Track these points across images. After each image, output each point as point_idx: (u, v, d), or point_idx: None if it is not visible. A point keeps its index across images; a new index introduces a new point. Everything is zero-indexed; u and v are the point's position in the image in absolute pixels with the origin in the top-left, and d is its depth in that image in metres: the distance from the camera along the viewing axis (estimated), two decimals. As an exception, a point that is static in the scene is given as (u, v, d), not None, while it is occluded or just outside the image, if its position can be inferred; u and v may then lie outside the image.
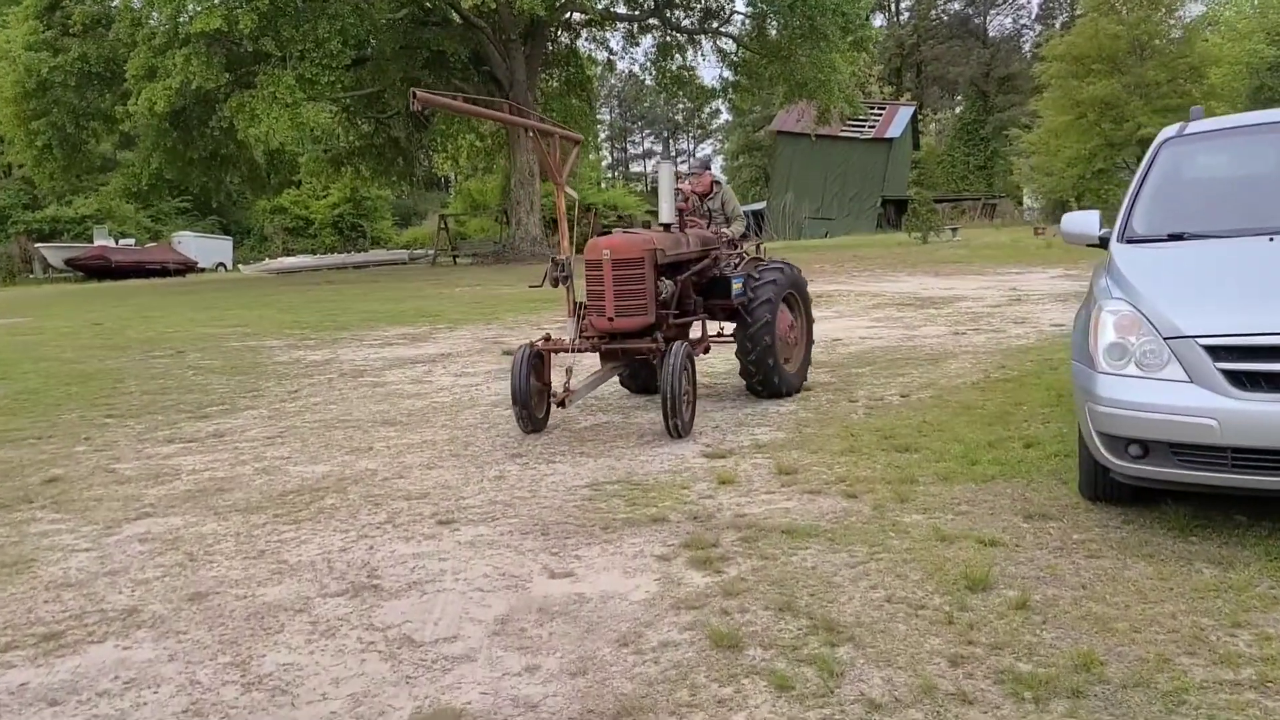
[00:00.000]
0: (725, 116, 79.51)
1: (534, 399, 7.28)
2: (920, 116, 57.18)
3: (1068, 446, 5.86)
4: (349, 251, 46.94)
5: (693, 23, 33.31)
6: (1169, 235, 4.71)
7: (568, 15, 31.71)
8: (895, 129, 47.30)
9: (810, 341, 8.72)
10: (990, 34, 67.87)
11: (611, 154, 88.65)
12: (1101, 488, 4.52)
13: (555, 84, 33.07)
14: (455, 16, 27.89)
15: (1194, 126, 5.29)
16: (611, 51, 35.35)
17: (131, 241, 44.84)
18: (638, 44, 34.63)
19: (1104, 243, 5.10)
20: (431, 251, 40.69)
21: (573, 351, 7.48)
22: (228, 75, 24.28)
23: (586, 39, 34.98)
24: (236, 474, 6.53)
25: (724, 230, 8.72)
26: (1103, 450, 4.17)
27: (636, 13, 32.88)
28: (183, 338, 14.57)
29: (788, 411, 7.70)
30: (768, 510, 5.09)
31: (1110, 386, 4.09)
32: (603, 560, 4.52)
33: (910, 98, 60.13)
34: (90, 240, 44.09)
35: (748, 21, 32.39)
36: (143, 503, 5.89)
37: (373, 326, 15.23)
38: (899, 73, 66.90)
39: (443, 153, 37.58)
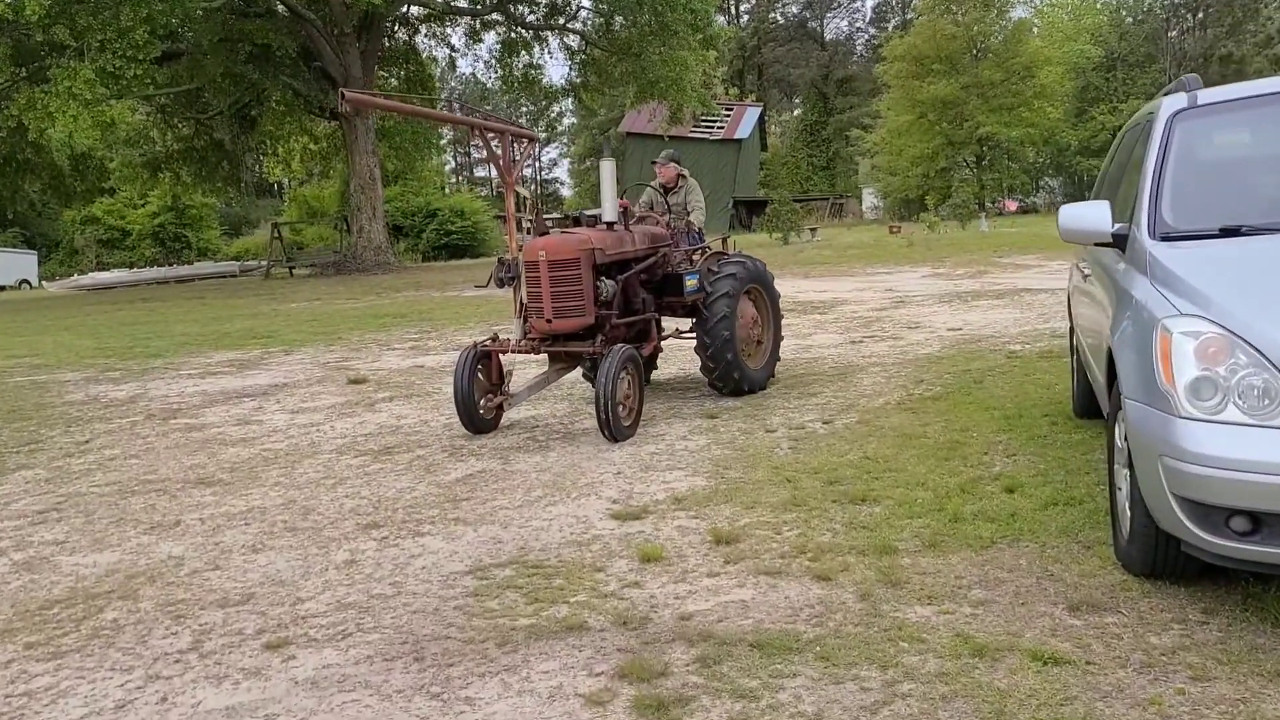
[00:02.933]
0: (570, 119, 78.46)
1: (478, 402, 7.22)
2: (765, 118, 57.39)
3: (1057, 490, 4.85)
4: (171, 264, 43.36)
5: (538, 18, 31.93)
6: (1221, 230, 3.69)
7: (405, 8, 29.84)
8: (744, 129, 47.14)
9: (779, 338, 8.44)
10: (827, 37, 69.03)
11: (455, 158, 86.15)
12: (1164, 562, 3.45)
13: (394, 82, 31.06)
14: (280, 7, 25.70)
15: (1205, 96, 4.32)
16: (453, 49, 33.63)
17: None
18: (481, 41, 33.04)
19: (1118, 241, 4.08)
20: (265, 263, 37.87)
21: (512, 352, 7.41)
22: (16, 68, 21.40)
23: (426, 35, 33.14)
24: (-15, 573, 4.83)
25: (692, 221, 8.43)
26: (1186, 521, 3.09)
27: (479, 6, 31.27)
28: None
29: (698, 447, 6.48)
30: (719, 605, 3.83)
31: (1201, 438, 3.01)
32: (506, 706, 3.16)
33: (754, 99, 60.37)
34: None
35: (595, 18, 31.27)
36: None
37: (193, 352, 13.24)
38: (741, 74, 67.20)
39: (273, 156, 34.93)
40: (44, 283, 43.04)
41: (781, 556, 4.31)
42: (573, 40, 31.95)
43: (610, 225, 7.45)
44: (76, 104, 20.32)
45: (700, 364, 7.87)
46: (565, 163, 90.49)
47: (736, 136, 46.70)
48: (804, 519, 4.80)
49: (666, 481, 5.71)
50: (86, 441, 7.84)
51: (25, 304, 29.41)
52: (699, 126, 44.35)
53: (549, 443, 6.92)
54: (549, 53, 35.35)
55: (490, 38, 32.82)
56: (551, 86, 34.55)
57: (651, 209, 8.55)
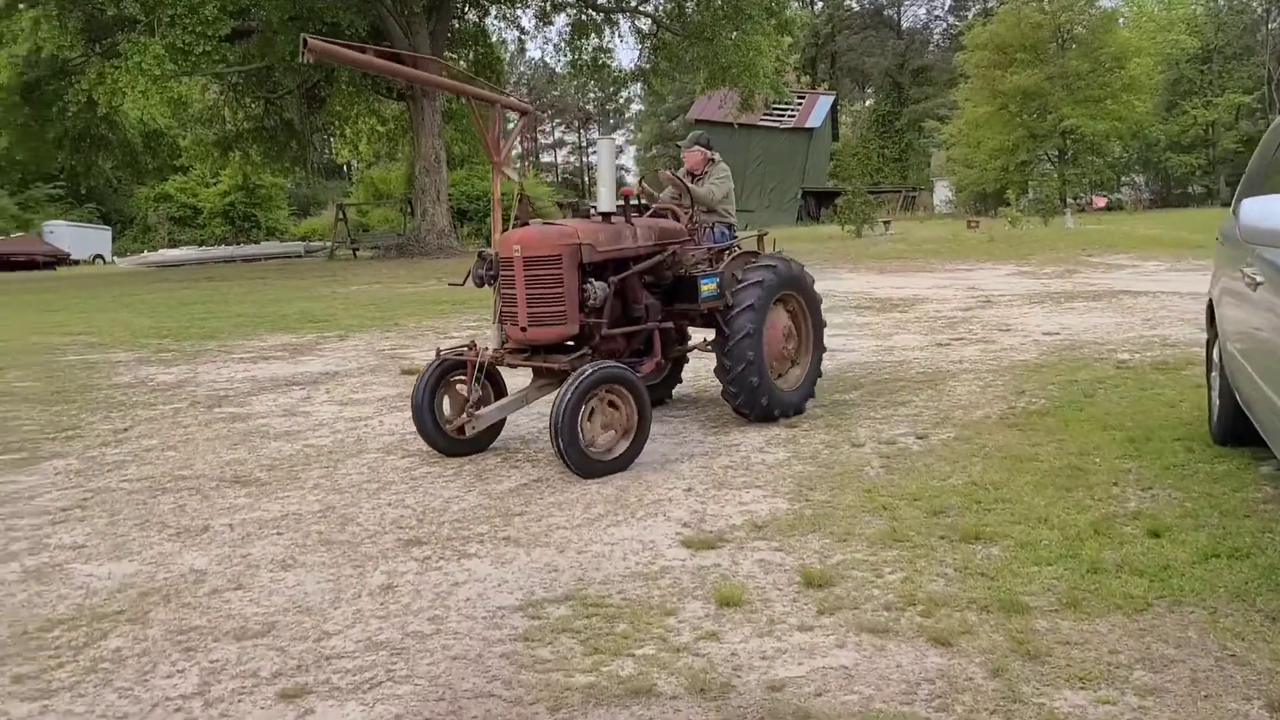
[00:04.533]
0: (638, 106, 77.83)
1: (443, 420, 6.24)
2: (837, 107, 56.17)
3: (1215, 538, 4.11)
4: (240, 243, 43.68)
5: (610, 1, 31.29)
6: None
7: (476, -11, 29.47)
8: (816, 118, 46.04)
9: (820, 351, 7.22)
10: (904, 25, 67.39)
11: (520, 143, 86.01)
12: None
13: (463, 64, 30.66)
14: (352, -15, 25.44)
15: None
16: (523, 31, 33.11)
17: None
18: (551, 23, 32.44)
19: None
20: (329, 244, 37.88)
21: (480, 365, 6.21)
22: (86, 43, 21.37)
23: (496, 16, 32.68)
24: (-9, 582, 4.37)
25: (726, 213, 7.52)
26: None
27: (551, -12, 30.76)
28: (10, 350, 12.04)
29: (778, 461, 5.83)
30: (815, 672, 3.19)
31: None
32: (559, 801, 2.56)
33: (826, 88, 59.15)
34: (5, 234, 40.09)
35: (667, 1, 30.53)
36: None
37: (248, 334, 12.90)
38: (814, 62, 65.88)
39: (341, 137, 34.82)
40: (115, 259, 43.64)
41: (886, 608, 3.65)
42: (644, 23, 31.28)
43: (606, 217, 6.34)
44: (145, 79, 20.21)
45: (721, 387, 6.75)
46: (631, 150, 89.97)
47: (808, 125, 45.60)
48: (908, 559, 4.13)
49: (743, 502, 5.08)
50: (125, 429, 7.43)
51: (94, 279, 29.65)
52: (769, 114, 43.36)
53: (612, 449, 6.31)
54: (619, 36, 34.69)
55: (560, 20, 32.20)
56: (620, 71, 33.90)
57: (680, 201, 7.45)
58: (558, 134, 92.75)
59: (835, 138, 55.87)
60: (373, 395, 8.47)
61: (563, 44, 31.71)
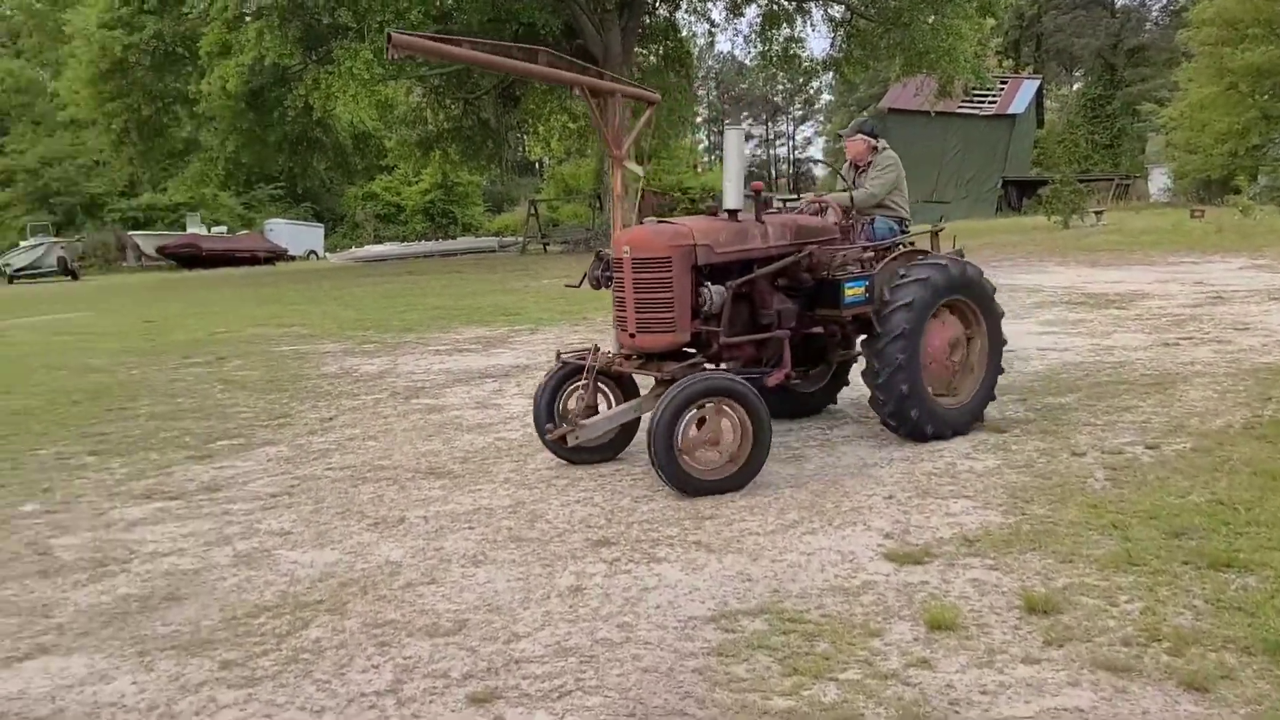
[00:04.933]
0: (827, 96, 76.40)
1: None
2: (1044, 92, 53.20)
3: None
4: (438, 239, 45.60)
5: (802, -11, 30.66)
6: None
7: (669, -16, 29.50)
8: (1019, 104, 43.69)
9: (995, 371, 6.36)
10: (1118, 3, 63.15)
11: (708, 137, 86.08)
12: None
13: (652, 59, 30.81)
14: (548, -14, 25.93)
15: None
16: (713, 24, 32.85)
17: (223, 229, 44.30)
18: (741, 15, 32.05)
19: None
20: (521, 239, 38.97)
21: (592, 370, 5.81)
22: (304, 51, 22.70)
23: (686, 10, 32.63)
24: (206, 564, 4.55)
25: (895, 206, 6.75)
26: None
27: (742, -22, 30.41)
28: (230, 340, 12.87)
29: (987, 469, 5.41)
30: (1046, 714, 2.85)
31: None
32: (759, 841, 2.35)
33: (1031, 72, 56.16)
34: (183, 228, 43.67)
35: (862, -14, 29.62)
36: (47, 624, 3.94)
37: (445, 327, 13.30)
38: (1017, 45, 62.66)
39: (534, 135, 35.70)
40: (326, 254, 46.42)
41: (1125, 643, 3.24)
42: (836, 10, 30.48)
43: (733, 214, 5.79)
44: (356, 84, 21.27)
45: (869, 394, 6.07)
46: (821, 141, 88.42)
47: (1010, 112, 43.33)
48: (1147, 586, 3.68)
49: (951, 513, 4.71)
50: (330, 419, 7.71)
51: (308, 274, 31.58)
52: (968, 101, 41.51)
53: (804, 451, 6.05)
54: (811, 25, 33.74)
55: (751, 11, 31.79)
56: (812, 61, 33.19)
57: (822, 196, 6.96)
58: (745, 126, 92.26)
59: (1040, 124, 52.88)
60: (563, 389, 8.48)
61: (753, 35, 31.32)
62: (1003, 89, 43.75)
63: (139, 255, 43.10)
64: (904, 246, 6.48)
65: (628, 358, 5.84)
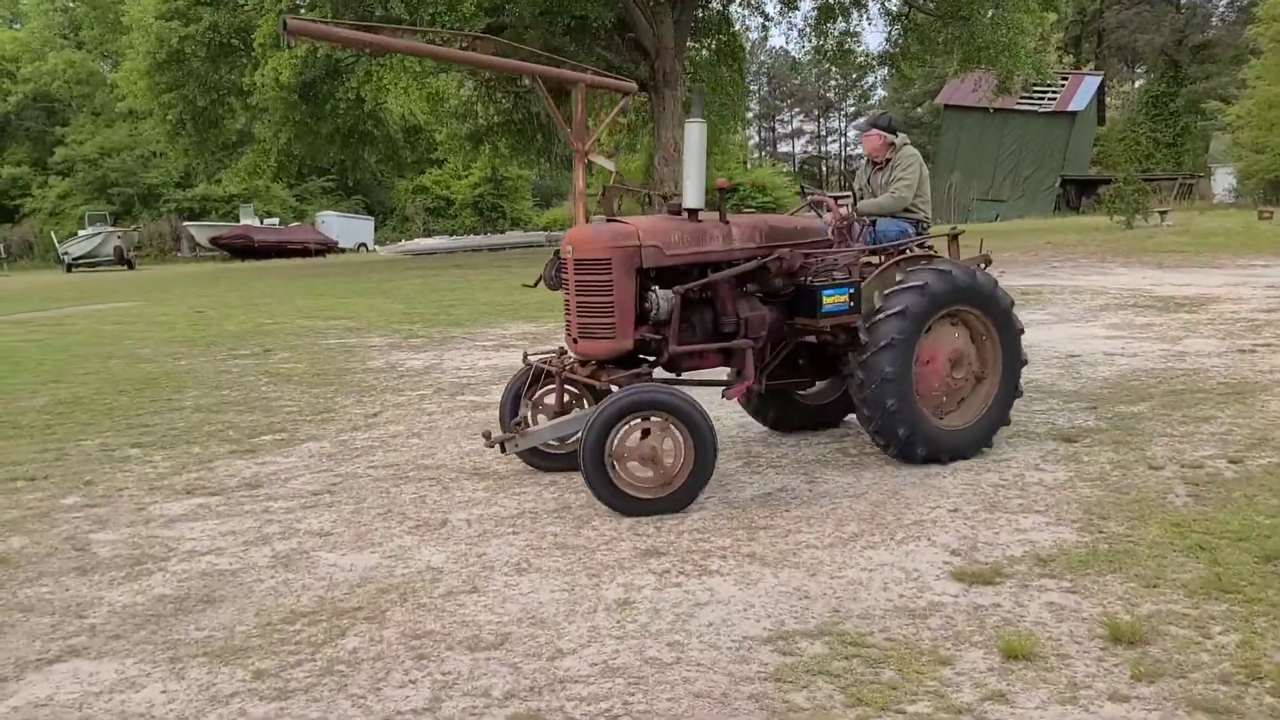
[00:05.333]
0: (881, 92, 75.49)
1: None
2: (1105, 89, 51.96)
3: None
4: (487, 233, 45.71)
5: (858, -17, 30.13)
6: None
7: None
8: (1080, 101, 42.76)
9: (1012, 391, 5.73)
10: (1182, -2, 61.55)
11: (759, 133, 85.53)
12: None
13: (705, 53, 30.51)
14: (601, -21, 25.71)
15: None
16: (767, 18, 32.41)
17: (275, 221, 44.77)
18: (796, 8, 31.61)
19: None
20: (570, 233, 38.81)
21: (536, 375, 5.62)
22: (356, 43, 22.75)
23: (740, 3, 32.25)
24: (243, 565, 4.42)
25: (914, 208, 6.26)
26: None
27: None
28: (279, 332, 12.86)
29: (1058, 482, 5.12)
30: (1140, 760, 2.60)
31: None
32: None
33: (1093, 68, 54.97)
34: (237, 219, 44.20)
35: (920, -21, 29.05)
36: (79, 626, 3.82)
37: (491, 322, 13.18)
38: (1078, 41, 61.42)
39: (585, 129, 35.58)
40: (376, 247, 46.71)
41: (1223, 680, 2.97)
42: (894, 3, 29.94)
43: (692, 214, 5.30)
44: (407, 76, 21.27)
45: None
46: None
47: (1070, 109, 42.41)
48: (1242, 616, 3.40)
49: (1021, 529, 4.44)
50: (375, 414, 7.60)
51: (358, 266, 31.76)
52: (1027, 97, 40.68)
53: (862, 459, 5.79)
54: (867, 19, 33.02)
55: (806, 4, 31.32)
56: (867, 56, 32.68)
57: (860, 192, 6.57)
58: (796, 123, 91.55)
59: (1101, 121, 51.72)
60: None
61: (808, 29, 30.87)
62: (1063, 85, 42.81)
63: (193, 245, 43.73)
64: (912, 250, 5.98)
65: (582, 364, 5.45)
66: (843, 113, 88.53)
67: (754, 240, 5.38)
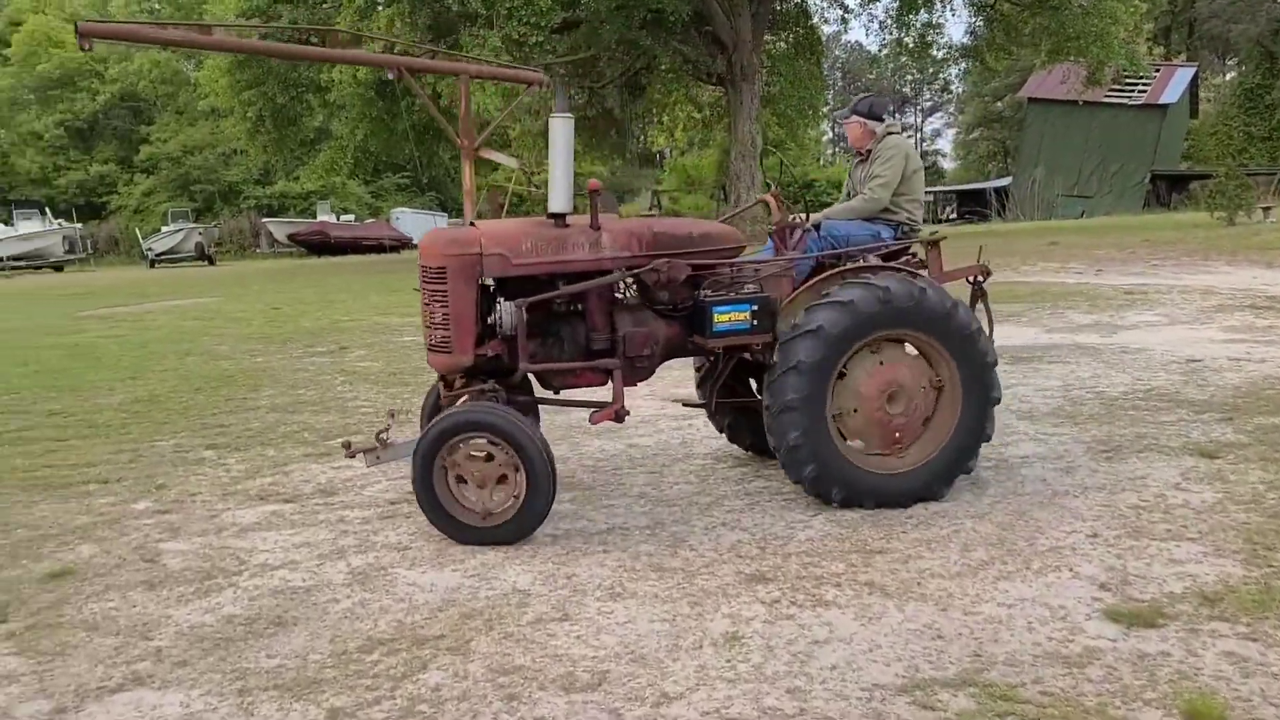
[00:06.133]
0: (959, 86, 73.82)
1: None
2: (1198, 81, 50.00)
3: None
4: (560, 229, 45.57)
5: (942, -28, 29.26)
6: None
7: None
8: (1172, 93, 41.15)
9: (977, 434, 4.83)
10: (1280, -14, 58.94)
11: (832, 129, 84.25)
12: None
13: (782, 45, 29.90)
14: (677, -28, 25.32)
15: None
16: (846, 10, 31.67)
17: (351, 217, 45.24)
18: (877, 0, 30.82)
19: None
20: (642, 230, 38.49)
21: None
22: (432, 38, 22.67)
23: (818, -4, 31.58)
24: (318, 582, 4.12)
25: (897, 208, 5.32)
26: None
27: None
28: (354, 329, 12.72)
29: (1206, 504, 4.60)
30: None
31: None
32: None
33: (1184, 60, 52.96)
34: (314, 215, 44.77)
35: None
36: (145, 649, 3.55)
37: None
38: (1168, 31, 59.26)
39: (658, 124, 35.22)
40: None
41: None
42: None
43: (559, 219, 4.85)
44: (482, 71, 21.11)
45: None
46: (950, 133, 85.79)
47: (1161, 101, 40.84)
48: None
49: (1175, 560, 3.94)
50: (453, 416, 7.30)
51: (432, 262, 31.73)
52: (1117, 90, 39.27)
53: (979, 473, 5.31)
54: (951, 10, 31.88)
55: (886, -5, 30.50)
56: (950, 48, 31.73)
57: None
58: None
59: (1194, 115, 49.77)
60: (683, 391, 7.89)
61: (889, 21, 30.07)
62: (1155, 77, 41.25)
63: (271, 241, 44.40)
64: (865, 259, 5.04)
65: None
66: (919, 108, 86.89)
67: (629, 249, 4.83)
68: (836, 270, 4.91)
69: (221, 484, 5.71)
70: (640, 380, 4.97)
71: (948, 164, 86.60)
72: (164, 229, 42.07)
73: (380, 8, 22.32)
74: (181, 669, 3.37)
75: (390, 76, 5.17)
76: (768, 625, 3.52)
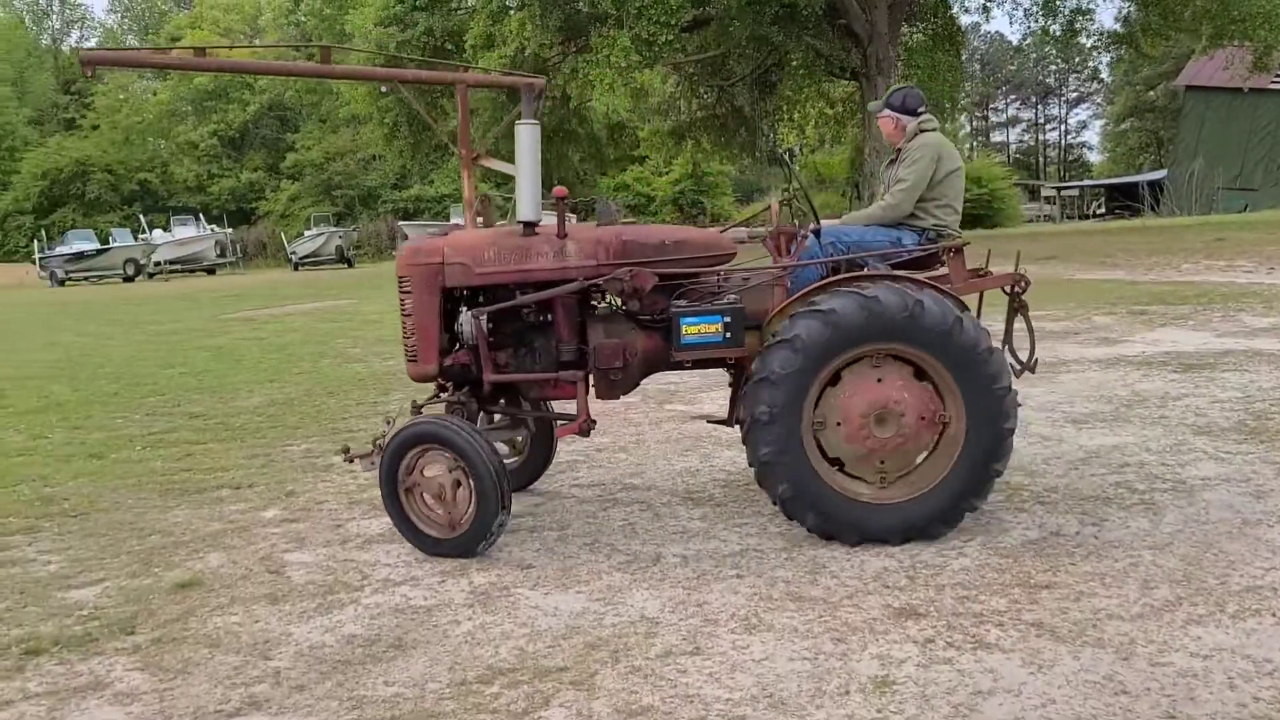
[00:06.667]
0: (1106, 76, 70.41)
1: None
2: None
3: None
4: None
5: (1091, -45, 27.76)
6: None
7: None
8: (1348, 77, 38.07)
9: (982, 470, 4.28)
10: None
11: (970, 122, 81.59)
12: None
13: (919, 37, 28.90)
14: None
15: None
16: (988, -1, 30.34)
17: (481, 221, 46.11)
18: (1022, -13, 29.41)
19: None
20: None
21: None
22: (562, 40, 22.77)
23: (959, -15, 30.35)
24: (439, 601, 3.97)
25: (923, 214, 4.92)
26: None
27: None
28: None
29: None
30: None
31: None
32: None
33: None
34: (447, 218, 45.77)
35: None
36: (264, 670, 3.44)
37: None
38: (1341, 11, 55.11)
39: (788, 122, 34.57)
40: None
41: None
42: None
43: (528, 227, 4.68)
44: (613, 72, 21.04)
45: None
46: (1097, 124, 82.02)
47: (1337, 87, 37.88)
48: None
49: (1401, 608, 3.40)
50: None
51: (562, 263, 31.95)
52: (1283, 75, 36.61)
53: (1154, 497, 4.80)
54: (1103, -8, 29.70)
55: (1034, -17, 29.06)
56: (1101, 35, 30.03)
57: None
58: (1012, 110, 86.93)
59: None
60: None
61: (1034, 9, 28.69)
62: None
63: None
64: (872, 267, 4.68)
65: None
66: (1064, 98, 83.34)
67: (595, 257, 4.61)
68: (835, 279, 4.49)
69: (348, 491, 5.66)
70: (620, 393, 4.79)
71: (1094, 157, 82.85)
72: (306, 233, 43.70)
73: (511, 11, 22.50)
74: (299, 694, 3.24)
75: (384, 91, 5.21)
76: (922, 669, 3.17)
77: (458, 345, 4.82)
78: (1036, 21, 28.47)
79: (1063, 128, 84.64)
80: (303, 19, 54.63)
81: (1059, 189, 59.77)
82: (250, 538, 4.90)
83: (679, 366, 4.90)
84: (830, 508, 4.29)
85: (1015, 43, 72.21)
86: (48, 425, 8.05)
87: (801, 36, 25.22)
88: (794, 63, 27.19)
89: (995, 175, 41.61)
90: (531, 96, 5.08)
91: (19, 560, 4.71)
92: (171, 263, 41.32)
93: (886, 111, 5.18)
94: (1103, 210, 52.41)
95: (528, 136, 4.72)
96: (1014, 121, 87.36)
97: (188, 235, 42.53)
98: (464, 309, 4.79)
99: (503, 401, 5.09)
